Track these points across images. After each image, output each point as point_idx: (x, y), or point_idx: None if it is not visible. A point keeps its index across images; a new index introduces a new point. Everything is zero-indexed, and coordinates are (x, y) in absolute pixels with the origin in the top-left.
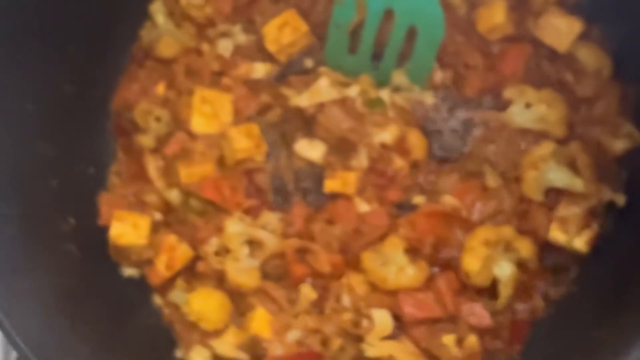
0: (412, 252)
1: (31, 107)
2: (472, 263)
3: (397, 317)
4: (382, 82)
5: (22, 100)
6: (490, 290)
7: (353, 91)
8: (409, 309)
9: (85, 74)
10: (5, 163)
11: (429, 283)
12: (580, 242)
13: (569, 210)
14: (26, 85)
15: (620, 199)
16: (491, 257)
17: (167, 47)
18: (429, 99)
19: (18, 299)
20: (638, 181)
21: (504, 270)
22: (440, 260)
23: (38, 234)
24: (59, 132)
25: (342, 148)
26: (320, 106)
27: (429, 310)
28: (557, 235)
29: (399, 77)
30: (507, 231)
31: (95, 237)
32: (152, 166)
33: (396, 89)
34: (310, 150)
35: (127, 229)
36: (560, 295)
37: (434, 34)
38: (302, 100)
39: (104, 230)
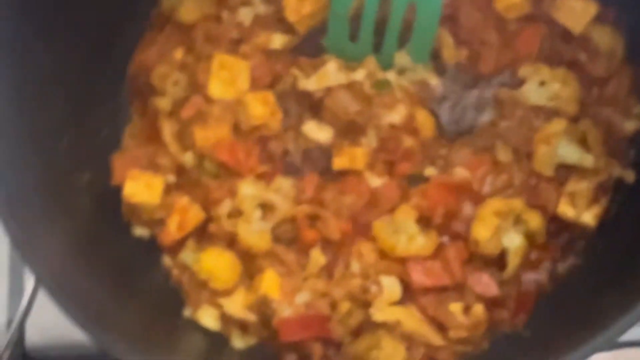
0: (423, 221)
1: (51, 65)
2: (482, 232)
3: (406, 285)
4: (385, 65)
5: (43, 59)
6: (498, 261)
7: (360, 74)
8: (418, 277)
9: (104, 38)
10: (27, 113)
11: (437, 252)
12: (589, 217)
13: (579, 186)
14: (46, 45)
15: (630, 176)
16: (501, 227)
17: (187, 13)
18: (433, 80)
19: (40, 240)
20: None
21: (513, 240)
22: (450, 231)
23: (56, 185)
24: (76, 90)
25: (350, 130)
26: (328, 90)
27: (437, 278)
28: (566, 209)
29: (402, 58)
30: (518, 203)
31: (108, 196)
32: (167, 129)
33: (401, 71)
34: (319, 132)
35: (140, 188)
36: (565, 269)
37: (432, 9)
38: (310, 84)
39: (116, 191)
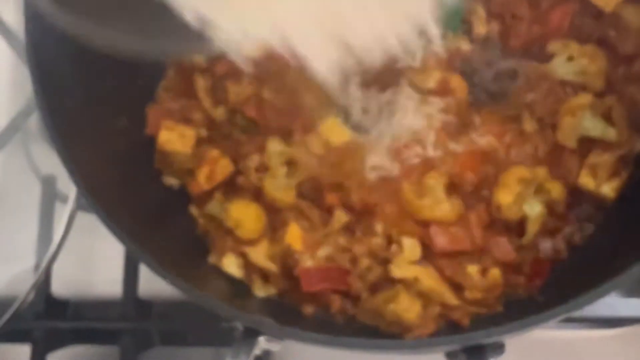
0: (452, 188)
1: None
2: (504, 197)
3: (426, 247)
4: None
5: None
6: (517, 227)
7: None
8: (440, 241)
9: None
10: (69, 55)
11: (460, 217)
12: (608, 188)
13: (601, 158)
14: None
15: None
16: (523, 194)
17: None
18: (465, 45)
19: (83, 158)
20: None
21: (534, 208)
22: (476, 196)
23: (98, 121)
24: None
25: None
26: None
27: (458, 243)
28: (586, 180)
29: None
30: (541, 172)
31: (142, 144)
32: (201, 84)
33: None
34: None
35: (174, 137)
36: (582, 238)
37: None
38: None
39: (150, 142)
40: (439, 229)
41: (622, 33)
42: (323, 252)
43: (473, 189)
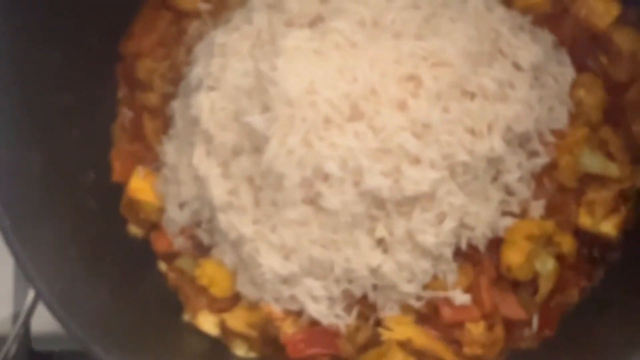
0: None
1: (57, 56)
2: (514, 257)
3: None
4: None
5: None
6: (528, 284)
7: None
8: (447, 313)
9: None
10: (33, 110)
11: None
12: (608, 226)
13: (598, 193)
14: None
15: None
16: (533, 251)
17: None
18: None
19: (40, 244)
20: None
21: (546, 264)
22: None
23: (61, 184)
24: (80, 82)
25: None
26: None
27: (467, 313)
28: (584, 220)
29: None
30: (549, 225)
31: (112, 193)
32: (150, 126)
33: None
34: None
35: (146, 186)
36: (593, 285)
37: None
38: None
39: (119, 188)
40: (445, 303)
41: (615, 59)
42: (306, 316)
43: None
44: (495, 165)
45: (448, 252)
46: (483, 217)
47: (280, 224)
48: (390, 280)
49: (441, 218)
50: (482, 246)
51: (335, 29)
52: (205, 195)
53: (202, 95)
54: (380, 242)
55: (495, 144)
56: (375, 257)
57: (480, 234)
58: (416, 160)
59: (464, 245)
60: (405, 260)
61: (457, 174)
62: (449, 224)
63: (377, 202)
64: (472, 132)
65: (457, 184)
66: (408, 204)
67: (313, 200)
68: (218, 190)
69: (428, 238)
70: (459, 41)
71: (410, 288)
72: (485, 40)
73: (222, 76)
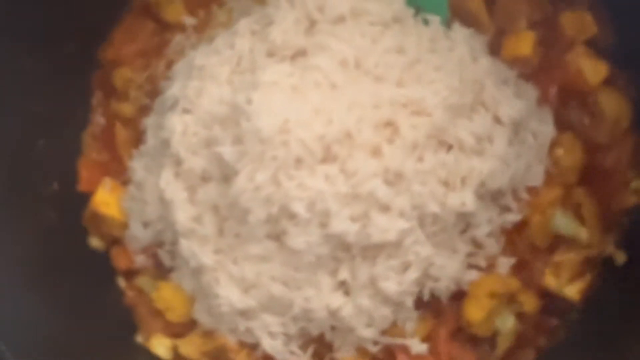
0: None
1: (30, 60)
2: (475, 313)
3: None
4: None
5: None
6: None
7: None
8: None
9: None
10: None
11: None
12: (572, 291)
13: (565, 256)
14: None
15: (621, 257)
16: (495, 308)
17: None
18: None
19: None
20: (639, 239)
21: (506, 322)
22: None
23: (21, 200)
24: (53, 88)
25: None
26: None
27: None
28: (550, 280)
29: None
30: (514, 283)
31: (76, 204)
32: (122, 136)
33: None
34: None
35: (111, 200)
36: (550, 345)
37: None
38: None
39: (83, 198)
40: (402, 352)
41: (597, 121)
42: (260, 350)
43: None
44: (465, 218)
45: (409, 300)
46: (448, 270)
47: (242, 257)
48: (348, 323)
49: (406, 266)
50: (444, 298)
51: (316, 67)
52: (169, 219)
53: (176, 118)
54: (342, 285)
55: (467, 199)
56: (336, 299)
57: (443, 287)
58: (386, 208)
59: (426, 296)
60: (366, 305)
61: (426, 224)
62: (413, 274)
63: (343, 245)
64: (445, 184)
65: (425, 234)
66: (374, 250)
67: (278, 237)
68: (182, 216)
69: (390, 285)
70: (441, 91)
71: (368, 333)
72: (468, 92)
73: (197, 100)
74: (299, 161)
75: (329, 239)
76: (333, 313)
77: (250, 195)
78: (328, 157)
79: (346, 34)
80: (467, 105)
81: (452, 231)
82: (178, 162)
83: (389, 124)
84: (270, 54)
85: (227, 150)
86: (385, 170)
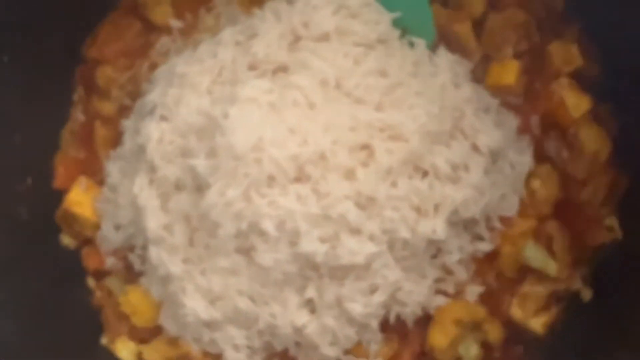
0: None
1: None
2: (440, 339)
3: None
4: None
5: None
6: None
7: None
8: None
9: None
10: None
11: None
12: (537, 323)
13: (533, 289)
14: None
15: (587, 294)
16: (459, 335)
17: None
18: None
19: None
20: (608, 276)
21: (470, 351)
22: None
23: None
24: (32, 82)
25: None
26: None
27: None
28: (515, 311)
29: None
30: (480, 312)
31: (48, 200)
32: (101, 134)
33: None
34: None
35: (85, 200)
36: None
37: None
38: None
39: (57, 195)
40: None
41: (576, 155)
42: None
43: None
44: (436, 244)
45: (375, 322)
46: (415, 296)
47: (210, 268)
48: (312, 341)
49: (373, 289)
50: (410, 322)
51: (296, 85)
52: (140, 225)
53: (153, 125)
54: (308, 302)
55: (439, 227)
56: (301, 317)
57: (410, 311)
58: (356, 231)
59: (392, 319)
60: (330, 325)
61: (395, 248)
62: (380, 297)
63: (311, 264)
64: (417, 210)
65: (394, 258)
66: (342, 271)
67: (247, 252)
68: (153, 223)
69: (356, 307)
70: (420, 118)
71: (332, 351)
72: (448, 119)
73: (176, 108)
74: (271, 179)
75: (298, 257)
76: (298, 330)
77: (220, 210)
78: (301, 176)
79: (329, 53)
80: (445, 132)
81: (422, 256)
82: (152, 169)
83: (365, 147)
84: (252, 67)
85: (200, 163)
86: (358, 194)
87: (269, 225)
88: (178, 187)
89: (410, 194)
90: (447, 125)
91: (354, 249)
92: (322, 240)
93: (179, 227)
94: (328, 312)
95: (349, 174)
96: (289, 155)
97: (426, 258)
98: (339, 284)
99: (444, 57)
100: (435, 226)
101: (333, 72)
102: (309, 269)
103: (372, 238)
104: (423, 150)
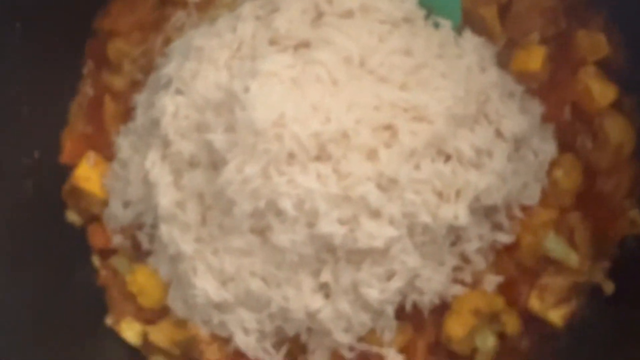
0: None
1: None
2: (457, 330)
3: None
4: None
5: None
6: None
7: None
8: None
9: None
10: None
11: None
12: (556, 315)
13: (553, 280)
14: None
15: (609, 287)
16: (477, 326)
17: None
18: None
19: None
20: (630, 270)
21: (487, 342)
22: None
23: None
24: (43, 55)
25: None
26: None
27: None
28: (534, 302)
29: None
30: (499, 302)
31: (55, 175)
32: (111, 109)
33: None
34: None
35: (93, 175)
36: None
37: None
38: None
39: (64, 170)
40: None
41: (600, 146)
42: (233, 345)
43: None
44: (455, 232)
45: (390, 309)
46: (433, 284)
47: (223, 248)
48: (325, 326)
49: (390, 275)
50: (426, 311)
51: (318, 61)
52: (151, 201)
53: (168, 98)
54: (323, 287)
55: (461, 212)
56: (315, 301)
57: (427, 300)
58: (376, 214)
59: (408, 307)
60: (345, 310)
61: (415, 233)
62: (397, 283)
63: (328, 247)
64: (439, 195)
65: (413, 243)
66: (359, 255)
67: (262, 232)
68: (165, 200)
69: (372, 292)
70: (445, 100)
71: (345, 338)
72: (473, 103)
73: (192, 82)
74: (291, 157)
75: (315, 239)
76: (311, 315)
77: (237, 187)
78: (322, 155)
79: (353, 30)
80: (470, 116)
81: (442, 243)
82: (166, 144)
83: (388, 127)
84: (273, 43)
85: (217, 138)
86: (379, 175)
87: (287, 204)
88: (192, 163)
89: (432, 178)
90: (472, 109)
91: (373, 233)
92: (341, 222)
93: (191, 205)
94: (343, 297)
95: (371, 154)
96: (311, 132)
97: (445, 245)
98: (356, 269)
99: (470, 40)
100: (457, 211)
101: (357, 50)
102: (326, 252)
103: (392, 222)
104: (447, 133)
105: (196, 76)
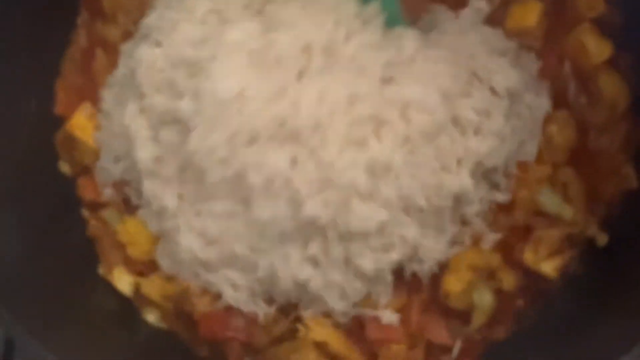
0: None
1: None
2: (454, 285)
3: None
4: None
5: None
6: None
7: None
8: (373, 331)
9: None
10: None
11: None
12: (549, 267)
13: (546, 232)
14: None
15: (602, 239)
16: (473, 282)
17: None
18: None
19: None
20: (623, 223)
21: (484, 298)
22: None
23: None
24: (34, 5)
25: None
26: None
27: (393, 333)
28: (528, 256)
29: None
30: (495, 259)
31: (48, 127)
32: (102, 61)
33: None
34: None
35: (88, 125)
36: (523, 325)
37: None
38: None
39: (58, 122)
40: (372, 322)
41: (594, 102)
42: (224, 300)
43: None
44: (457, 198)
45: (388, 276)
46: (435, 253)
47: (205, 211)
48: (318, 294)
49: (387, 247)
50: (425, 279)
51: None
52: (132, 156)
53: (145, 49)
54: (312, 258)
55: (465, 181)
56: (304, 271)
57: (427, 268)
58: (368, 197)
59: (407, 275)
60: (337, 280)
61: (412, 212)
62: (395, 255)
63: (315, 227)
64: (441, 169)
65: (411, 217)
66: (351, 234)
67: (244, 200)
68: (144, 154)
69: (367, 263)
70: (438, 87)
71: (340, 305)
72: (463, 73)
73: (171, 34)
74: (255, 133)
75: (299, 219)
76: (301, 284)
77: (205, 154)
78: (294, 139)
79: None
80: (463, 84)
81: (445, 213)
82: (141, 96)
83: (372, 118)
84: (247, 7)
85: (183, 104)
86: (370, 161)
87: (256, 179)
88: (165, 120)
89: (430, 160)
90: (464, 77)
91: (366, 215)
92: (327, 205)
93: (170, 160)
94: (334, 268)
95: (358, 143)
96: (274, 115)
97: (447, 213)
98: (348, 244)
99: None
100: (461, 180)
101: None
102: (312, 231)
103: (386, 205)
104: (446, 118)
105: (175, 28)
